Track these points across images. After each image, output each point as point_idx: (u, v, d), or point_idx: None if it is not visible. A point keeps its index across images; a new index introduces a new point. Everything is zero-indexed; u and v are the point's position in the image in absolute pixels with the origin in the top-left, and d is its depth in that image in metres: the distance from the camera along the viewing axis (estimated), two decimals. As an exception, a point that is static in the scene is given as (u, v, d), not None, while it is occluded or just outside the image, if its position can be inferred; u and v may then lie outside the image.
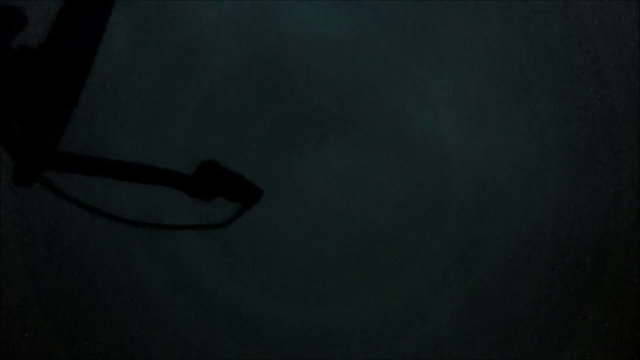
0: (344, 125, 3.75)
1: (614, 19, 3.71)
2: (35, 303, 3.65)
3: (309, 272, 3.75)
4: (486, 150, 3.74)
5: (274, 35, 3.69)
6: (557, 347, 3.71)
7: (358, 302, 3.75)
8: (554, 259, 3.73)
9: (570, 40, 3.73)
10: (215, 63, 3.72)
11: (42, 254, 3.65)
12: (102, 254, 3.67)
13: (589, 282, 3.71)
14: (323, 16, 3.71)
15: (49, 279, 3.66)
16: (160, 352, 3.70)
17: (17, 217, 3.62)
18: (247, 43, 3.70)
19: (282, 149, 3.71)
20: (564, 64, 3.73)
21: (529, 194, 3.73)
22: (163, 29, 3.66)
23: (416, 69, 3.75)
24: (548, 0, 3.72)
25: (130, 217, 1.74)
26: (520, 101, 3.75)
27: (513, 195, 3.74)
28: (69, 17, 1.49)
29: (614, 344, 3.69)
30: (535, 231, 3.73)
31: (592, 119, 3.73)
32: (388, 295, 3.76)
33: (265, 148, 3.68)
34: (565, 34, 3.73)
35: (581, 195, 3.72)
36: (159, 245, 3.69)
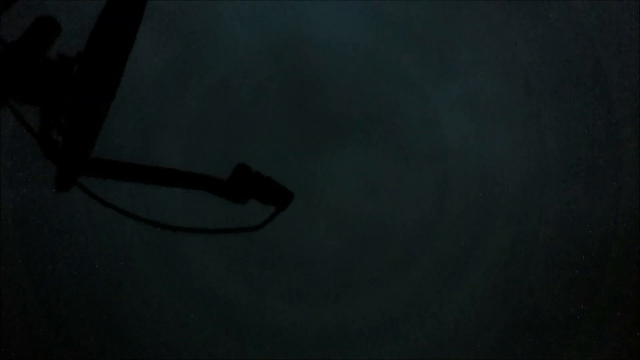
0: (345, 126, 3.75)
1: (614, 19, 3.72)
2: (35, 303, 3.64)
3: (310, 273, 3.75)
4: (488, 151, 3.74)
5: (291, 35, 3.68)
6: (557, 347, 3.71)
7: (359, 302, 3.75)
8: (554, 259, 3.73)
9: (571, 40, 3.73)
10: (233, 62, 3.71)
11: (42, 254, 3.65)
12: (103, 254, 3.67)
13: (589, 282, 3.72)
14: (343, 20, 3.70)
15: (49, 279, 3.65)
16: (160, 352, 3.70)
17: (17, 217, 3.62)
18: (265, 43, 3.70)
19: (287, 150, 3.71)
20: (565, 65, 3.74)
21: (530, 194, 3.74)
22: (179, 27, 3.65)
23: (422, 72, 3.75)
24: (549, 1, 3.72)
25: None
26: (522, 102, 3.75)
27: (514, 196, 3.74)
28: (106, 26, 1.50)
29: (614, 344, 3.69)
30: (535, 231, 3.73)
31: (592, 120, 3.73)
32: (389, 295, 3.76)
33: (269, 150, 3.68)
34: (566, 35, 3.74)
35: (581, 196, 3.72)
36: (160, 245, 3.69)
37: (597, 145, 3.73)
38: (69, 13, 3.41)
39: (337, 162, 3.74)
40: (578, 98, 3.74)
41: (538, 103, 3.74)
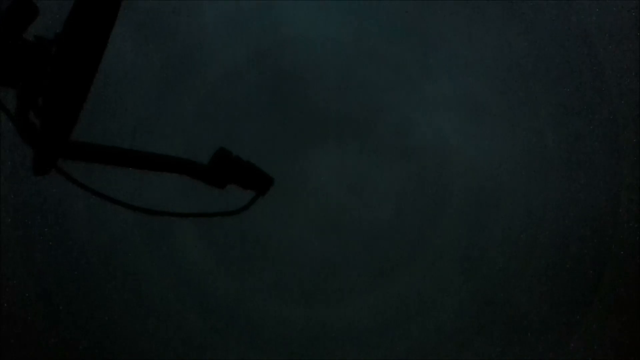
0: (345, 126, 3.75)
1: (614, 19, 3.71)
2: (35, 303, 3.65)
3: (310, 272, 3.75)
4: (486, 150, 3.74)
5: (275, 35, 3.69)
6: (557, 347, 3.71)
7: (359, 302, 3.75)
8: (554, 259, 3.73)
9: (570, 40, 3.73)
10: (217, 63, 3.72)
11: (42, 253, 3.65)
12: (102, 254, 3.67)
13: (589, 282, 3.71)
14: (324, 17, 3.71)
15: (49, 279, 3.66)
16: (160, 352, 3.70)
17: (17, 217, 3.62)
18: (248, 42, 3.70)
19: (281, 149, 3.71)
20: (564, 64, 3.73)
21: (529, 194, 3.73)
22: (164, 28, 3.66)
23: (417, 70, 3.76)
24: (548, 0, 3.72)
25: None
26: (521, 101, 3.75)
27: (513, 196, 3.74)
28: (84, 8, 1.49)
29: (614, 344, 3.69)
30: (535, 231, 3.73)
31: (592, 119, 3.73)
32: (389, 295, 3.76)
33: (265, 148, 3.68)
34: (565, 34, 3.73)
35: (581, 196, 3.72)
36: (160, 244, 3.69)
37: (597, 144, 3.72)
38: None
39: (324, 160, 3.74)
40: (577, 96, 3.74)
41: (536, 101, 3.74)
